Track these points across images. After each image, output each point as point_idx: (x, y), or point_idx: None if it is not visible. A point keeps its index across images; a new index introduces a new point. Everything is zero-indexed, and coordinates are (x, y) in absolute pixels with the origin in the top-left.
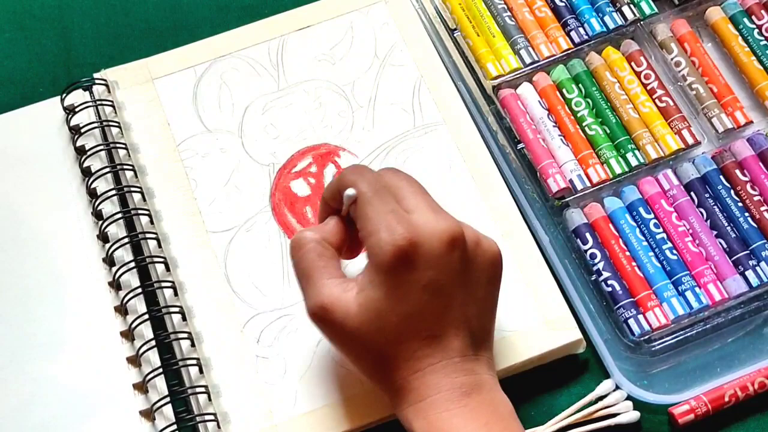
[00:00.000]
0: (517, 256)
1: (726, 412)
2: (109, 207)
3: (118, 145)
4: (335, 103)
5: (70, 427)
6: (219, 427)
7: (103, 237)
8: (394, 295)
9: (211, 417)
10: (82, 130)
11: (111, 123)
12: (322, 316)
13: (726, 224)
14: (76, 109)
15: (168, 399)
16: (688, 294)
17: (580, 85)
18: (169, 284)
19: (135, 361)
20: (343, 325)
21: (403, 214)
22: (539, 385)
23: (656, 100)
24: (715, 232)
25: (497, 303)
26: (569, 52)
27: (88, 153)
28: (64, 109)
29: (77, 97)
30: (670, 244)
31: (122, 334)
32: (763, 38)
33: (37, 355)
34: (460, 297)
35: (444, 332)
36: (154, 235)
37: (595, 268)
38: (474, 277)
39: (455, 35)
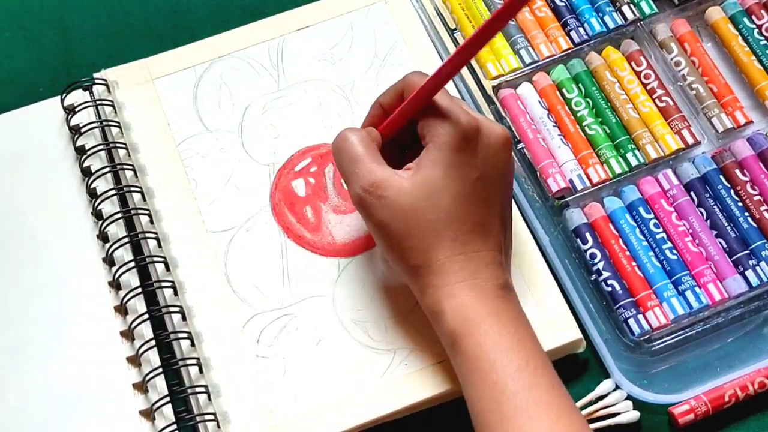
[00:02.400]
0: (517, 256)
1: (726, 412)
2: (109, 207)
3: (118, 145)
4: (335, 103)
5: (70, 427)
6: (219, 426)
7: (103, 237)
8: (451, 175)
9: (211, 417)
10: (82, 130)
11: (111, 123)
12: (374, 193)
13: (726, 224)
14: (76, 109)
15: (168, 399)
16: (688, 294)
17: (580, 85)
18: (169, 284)
19: (135, 360)
20: (396, 199)
21: (467, 109)
22: None
23: (656, 100)
24: (715, 232)
25: None
26: (569, 51)
27: (88, 153)
28: (64, 109)
29: (77, 97)
30: (670, 244)
31: (122, 333)
32: (762, 38)
33: (37, 355)
34: (501, 196)
35: (488, 224)
36: (154, 235)
37: (595, 268)
38: (510, 183)
39: (455, 35)
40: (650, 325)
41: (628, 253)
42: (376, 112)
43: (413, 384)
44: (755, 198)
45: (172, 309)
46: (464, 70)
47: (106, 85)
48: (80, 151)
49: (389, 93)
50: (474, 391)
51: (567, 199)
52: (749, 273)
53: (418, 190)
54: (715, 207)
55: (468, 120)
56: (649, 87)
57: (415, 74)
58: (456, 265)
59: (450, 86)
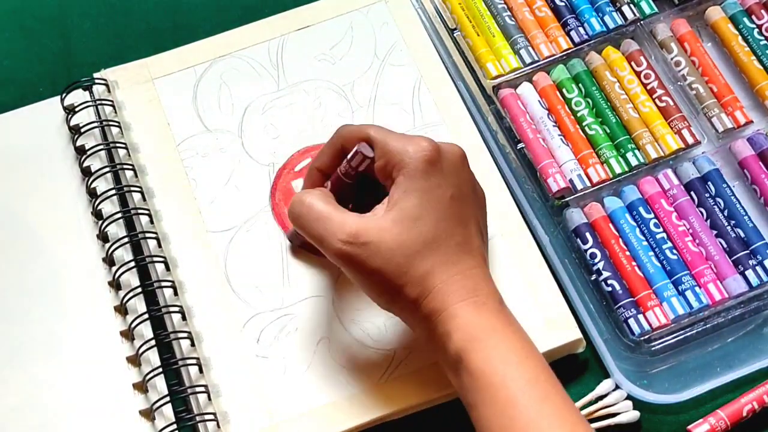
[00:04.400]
0: (517, 256)
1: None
2: (109, 207)
3: (118, 145)
4: (335, 103)
5: (70, 427)
6: (219, 426)
7: (103, 237)
8: (427, 200)
9: (211, 417)
10: (82, 130)
11: (111, 123)
12: (356, 243)
13: (726, 224)
14: (76, 109)
15: (168, 398)
16: (688, 294)
17: (580, 85)
18: (169, 284)
19: (135, 360)
20: (381, 241)
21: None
22: None
23: (656, 100)
24: (715, 232)
25: None
26: (569, 51)
27: (88, 153)
28: (64, 108)
29: (77, 96)
30: (670, 244)
31: (122, 333)
32: (763, 38)
33: (37, 355)
34: (473, 209)
35: (470, 241)
36: (154, 235)
37: (595, 268)
38: (481, 197)
39: (455, 35)
40: (650, 325)
41: (628, 253)
42: (315, 177)
43: (413, 384)
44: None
45: (172, 309)
46: (464, 70)
47: (106, 85)
48: (80, 151)
49: (325, 154)
50: (484, 409)
51: (567, 199)
52: (749, 273)
53: (399, 224)
54: (715, 207)
55: (428, 142)
56: (649, 87)
57: (345, 125)
58: (454, 286)
59: (450, 86)
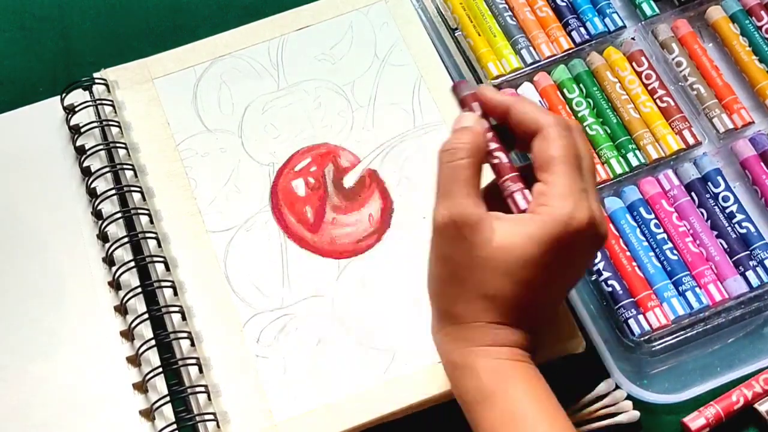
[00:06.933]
0: None
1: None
2: (109, 206)
3: (117, 145)
4: (335, 103)
5: (70, 427)
6: (219, 426)
7: (103, 237)
8: (535, 263)
9: (211, 417)
10: (82, 130)
11: (111, 122)
12: (460, 229)
13: (726, 224)
14: (76, 109)
15: (168, 398)
16: (689, 294)
17: (581, 85)
18: (168, 284)
19: (135, 360)
20: (476, 248)
21: (589, 198)
22: None
23: (657, 100)
24: (715, 233)
25: None
26: (570, 51)
27: (88, 152)
28: (64, 108)
29: (77, 96)
30: (670, 245)
31: (122, 333)
32: (763, 38)
33: (37, 355)
34: (568, 285)
35: (543, 309)
36: (153, 235)
37: (595, 268)
38: (583, 272)
39: (456, 35)
40: (650, 325)
41: (628, 254)
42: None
43: (413, 384)
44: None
45: (171, 309)
46: (465, 70)
47: (106, 85)
48: (80, 151)
49: (524, 111)
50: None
51: None
52: (750, 274)
53: (497, 252)
54: (716, 207)
55: (589, 216)
56: (650, 87)
57: (559, 121)
58: (497, 332)
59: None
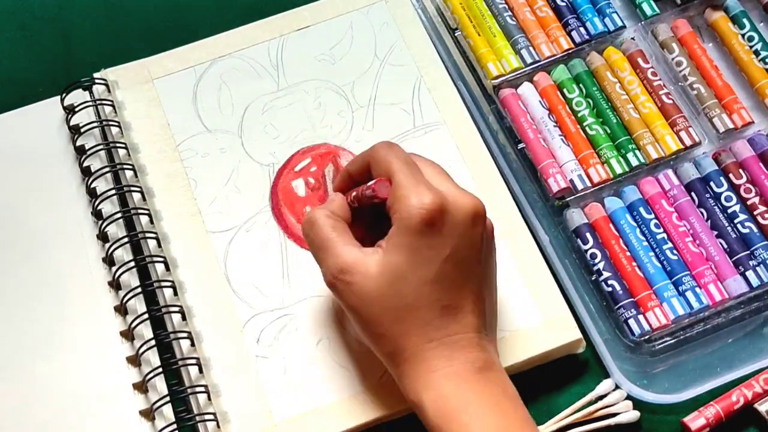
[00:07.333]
0: (517, 256)
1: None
2: (109, 206)
3: (117, 145)
4: (335, 103)
5: (70, 427)
6: (219, 426)
7: (103, 237)
8: (416, 260)
9: (211, 417)
10: (82, 130)
11: (111, 123)
12: (342, 279)
13: (726, 224)
14: (76, 109)
15: (168, 399)
16: (689, 294)
17: (580, 85)
18: (168, 284)
19: (135, 360)
20: (363, 286)
21: (432, 185)
22: (539, 384)
23: (657, 100)
24: (715, 233)
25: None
26: (570, 51)
27: (88, 153)
28: (64, 108)
29: (77, 96)
30: (670, 244)
31: (122, 333)
32: (763, 38)
33: (37, 355)
34: (478, 273)
35: (461, 305)
36: (153, 235)
37: (595, 268)
38: (491, 256)
39: (456, 35)
40: (650, 325)
41: (628, 254)
42: (344, 179)
43: None
44: (750, 201)
45: (172, 309)
46: (465, 70)
47: (106, 85)
48: (80, 151)
49: (356, 163)
50: None
51: (567, 199)
52: (750, 273)
53: (382, 276)
54: (716, 207)
55: (432, 200)
56: (649, 87)
57: (382, 146)
58: (428, 353)
59: (450, 86)
